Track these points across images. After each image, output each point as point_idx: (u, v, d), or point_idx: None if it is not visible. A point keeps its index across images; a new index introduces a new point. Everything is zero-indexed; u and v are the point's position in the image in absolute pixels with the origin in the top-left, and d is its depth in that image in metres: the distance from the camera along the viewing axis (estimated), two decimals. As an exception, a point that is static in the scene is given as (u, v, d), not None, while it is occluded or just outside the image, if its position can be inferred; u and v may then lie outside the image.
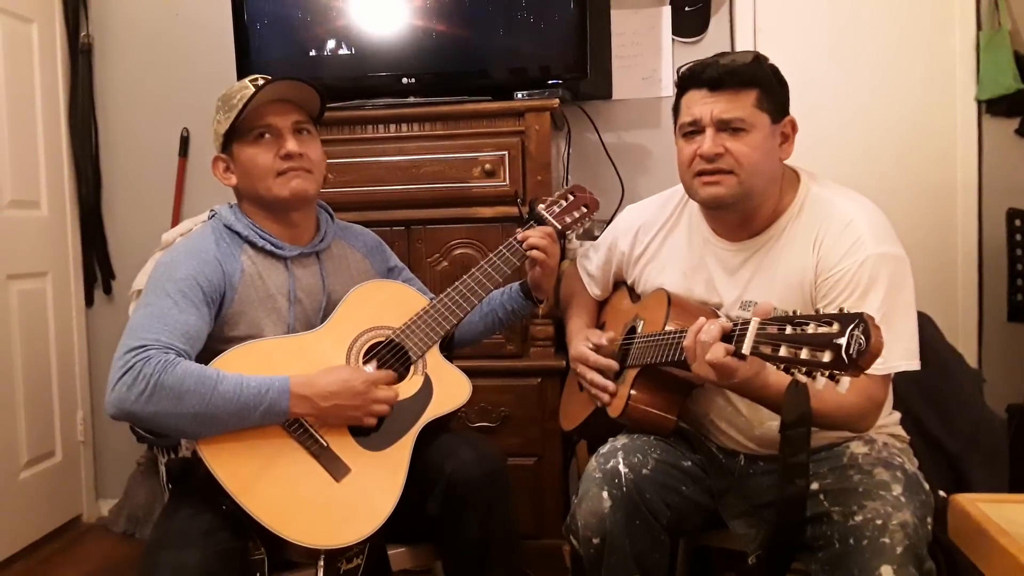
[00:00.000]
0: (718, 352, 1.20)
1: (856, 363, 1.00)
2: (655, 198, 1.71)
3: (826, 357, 1.03)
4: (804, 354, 1.06)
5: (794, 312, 1.12)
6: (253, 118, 1.48)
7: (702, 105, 1.43)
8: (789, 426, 1.23)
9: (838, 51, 2.52)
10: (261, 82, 1.49)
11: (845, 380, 1.03)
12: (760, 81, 1.42)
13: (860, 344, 1.00)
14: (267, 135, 1.49)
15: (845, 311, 1.04)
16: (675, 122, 1.51)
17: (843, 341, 1.01)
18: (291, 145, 1.48)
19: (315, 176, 1.53)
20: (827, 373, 1.04)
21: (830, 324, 1.04)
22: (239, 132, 1.49)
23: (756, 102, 1.41)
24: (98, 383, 2.86)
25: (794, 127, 1.48)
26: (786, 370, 1.10)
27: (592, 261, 1.79)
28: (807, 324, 1.07)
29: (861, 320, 1.01)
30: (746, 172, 1.41)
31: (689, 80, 1.46)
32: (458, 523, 1.43)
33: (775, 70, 1.47)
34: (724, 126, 1.41)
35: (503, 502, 1.47)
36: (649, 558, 1.42)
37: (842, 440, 1.48)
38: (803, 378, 1.08)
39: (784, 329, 1.10)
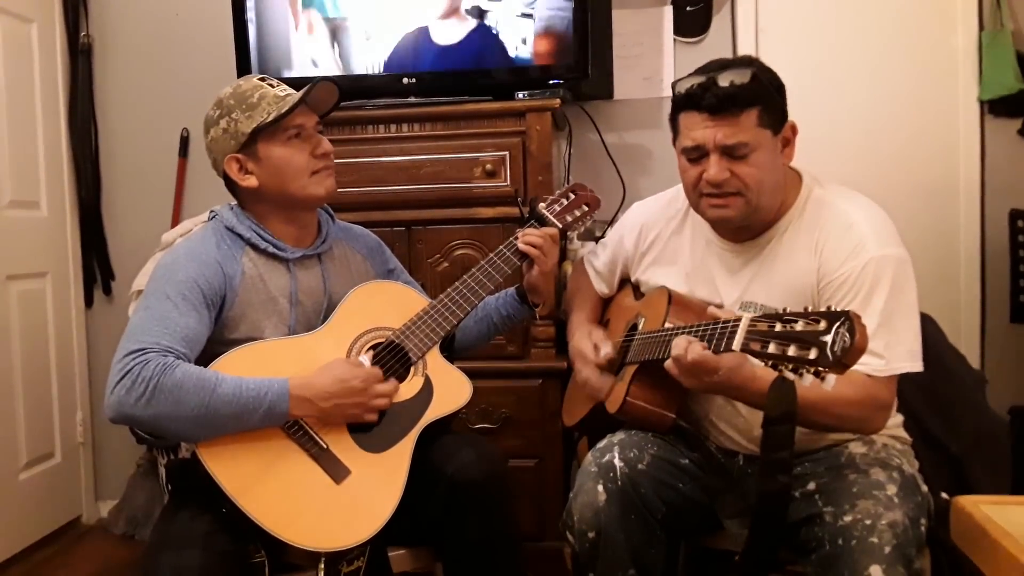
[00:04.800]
0: (696, 349, 1.24)
1: (840, 360, 1.02)
2: (660, 196, 1.70)
3: (812, 354, 1.05)
4: (791, 351, 1.08)
5: (784, 310, 1.13)
6: (284, 119, 1.47)
7: (703, 130, 1.39)
8: (772, 422, 1.24)
9: (840, 51, 2.51)
10: (275, 83, 1.50)
11: (831, 378, 1.05)
12: (760, 98, 1.38)
13: (845, 342, 1.02)
14: (299, 135, 1.49)
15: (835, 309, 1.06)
16: (674, 135, 1.49)
17: (828, 338, 1.03)
18: (327, 144, 1.51)
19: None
20: (812, 370, 1.06)
21: (817, 322, 1.06)
22: (268, 132, 1.47)
23: (758, 121, 1.38)
24: (97, 384, 2.85)
25: (794, 130, 1.46)
26: (774, 367, 1.12)
27: (599, 258, 1.79)
28: (795, 321, 1.09)
29: (847, 318, 1.03)
30: (754, 192, 1.41)
31: (687, 103, 1.41)
32: (459, 525, 1.43)
33: (772, 78, 1.42)
34: (728, 151, 1.39)
35: (504, 504, 1.46)
36: (645, 553, 1.42)
37: (841, 441, 1.48)
38: (790, 375, 1.09)
39: (774, 326, 1.12)
